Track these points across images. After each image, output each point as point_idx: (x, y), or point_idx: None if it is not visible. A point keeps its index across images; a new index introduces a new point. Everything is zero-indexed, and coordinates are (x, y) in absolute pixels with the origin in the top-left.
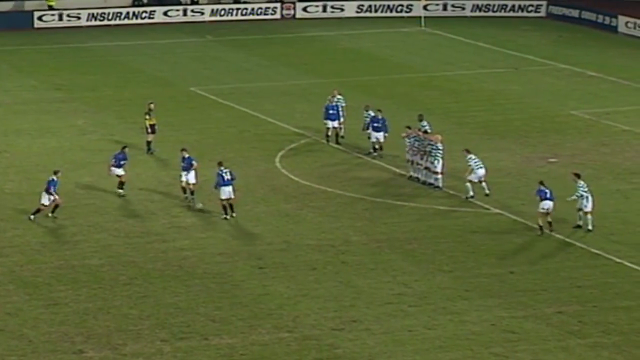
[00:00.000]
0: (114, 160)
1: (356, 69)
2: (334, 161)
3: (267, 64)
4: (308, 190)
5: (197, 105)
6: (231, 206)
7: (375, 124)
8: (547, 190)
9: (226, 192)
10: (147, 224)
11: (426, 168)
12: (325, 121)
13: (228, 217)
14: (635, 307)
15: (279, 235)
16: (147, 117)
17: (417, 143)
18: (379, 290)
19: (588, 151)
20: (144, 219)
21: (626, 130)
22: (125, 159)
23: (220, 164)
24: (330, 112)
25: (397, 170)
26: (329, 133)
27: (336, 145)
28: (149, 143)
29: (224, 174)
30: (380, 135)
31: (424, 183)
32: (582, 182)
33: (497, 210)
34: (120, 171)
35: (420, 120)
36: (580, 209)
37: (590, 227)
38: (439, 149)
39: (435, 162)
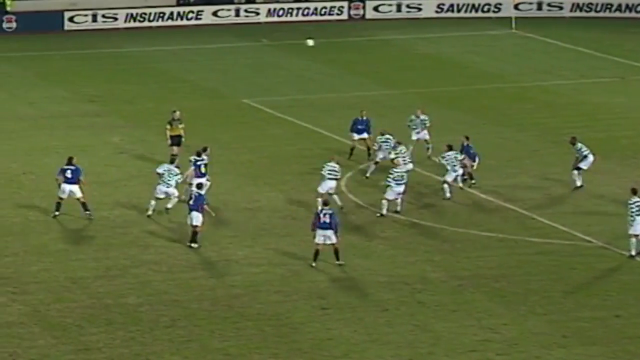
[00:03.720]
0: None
1: (436, 78)
2: (409, 185)
3: (331, 72)
4: (379, 220)
5: (251, 120)
6: (336, 252)
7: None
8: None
9: (320, 236)
10: (192, 257)
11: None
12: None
13: (340, 262)
14: None
15: (344, 271)
16: (169, 126)
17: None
18: (461, 335)
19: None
20: (188, 251)
21: None
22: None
23: (325, 203)
24: (359, 126)
25: (483, 196)
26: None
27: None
28: (173, 157)
29: (321, 215)
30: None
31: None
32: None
33: (601, 244)
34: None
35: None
36: (633, 235)
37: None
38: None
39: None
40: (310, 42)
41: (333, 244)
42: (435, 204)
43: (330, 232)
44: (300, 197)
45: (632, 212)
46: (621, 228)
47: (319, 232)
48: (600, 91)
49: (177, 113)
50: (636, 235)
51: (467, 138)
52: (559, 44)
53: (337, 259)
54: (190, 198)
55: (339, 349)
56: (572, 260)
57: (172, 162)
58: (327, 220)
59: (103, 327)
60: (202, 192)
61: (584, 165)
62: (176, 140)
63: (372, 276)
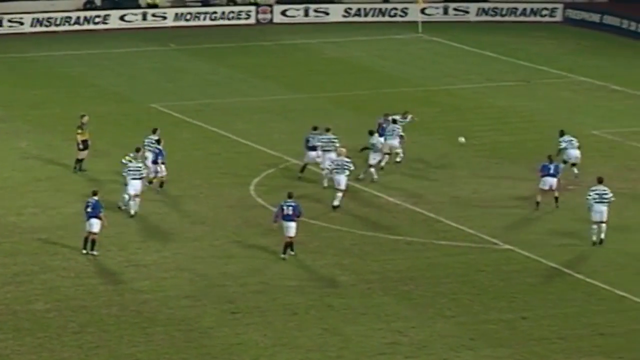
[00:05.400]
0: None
1: (343, 82)
2: (318, 189)
3: (240, 77)
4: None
5: (159, 124)
6: (291, 245)
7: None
8: (550, 166)
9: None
10: (100, 262)
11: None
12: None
13: (286, 256)
14: None
15: (254, 275)
16: (80, 130)
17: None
18: (370, 338)
19: (612, 177)
20: (96, 257)
21: None
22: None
23: (289, 195)
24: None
25: (391, 200)
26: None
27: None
28: (79, 161)
29: (284, 207)
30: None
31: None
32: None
33: (507, 246)
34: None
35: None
36: (595, 222)
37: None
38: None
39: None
40: (462, 140)
41: (290, 237)
42: (343, 207)
43: (293, 225)
44: (210, 201)
45: (590, 198)
46: (528, 230)
47: (285, 224)
48: (506, 95)
49: (86, 118)
50: (600, 222)
51: (389, 118)
52: (465, 47)
53: (291, 250)
54: (88, 206)
55: (248, 354)
56: (480, 263)
57: (78, 166)
58: (290, 213)
59: (11, 333)
60: (135, 201)
61: (566, 158)
62: (84, 145)
63: (281, 280)
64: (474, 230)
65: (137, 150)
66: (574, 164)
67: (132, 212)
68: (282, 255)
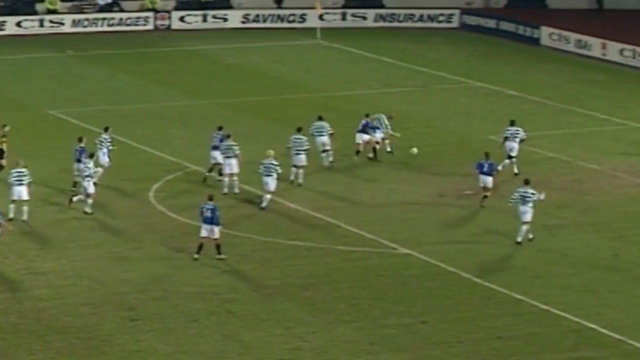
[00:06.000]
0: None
1: (243, 88)
2: (218, 195)
3: (138, 83)
4: (188, 229)
5: (57, 131)
6: (217, 246)
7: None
8: (484, 164)
9: (204, 230)
10: None
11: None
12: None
13: (198, 257)
14: None
15: (154, 282)
16: (5, 139)
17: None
18: (271, 344)
19: (509, 181)
20: None
21: (551, 157)
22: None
23: (210, 198)
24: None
25: (292, 206)
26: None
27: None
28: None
29: (204, 209)
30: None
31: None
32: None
33: (406, 250)
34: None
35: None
36: (522, 222)
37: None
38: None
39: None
40: (415, 150)
41: (215, 239)
42: (243, 214)
43: (213, 227)
44: (109, 208)
45: (513, 200)
46: (427, 235)
47: (203, 226)
48: (404, 100)
49: (7, 128)
50: (523, 223)
51: (367, 115)
52: (364, 53)
53: (219, 253)
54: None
55: None
56: (379, 268)
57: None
58: (209, 215)
59: None
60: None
61: (505, 149)
62: (2, 154)
63: (181, 287)
64: (373, 235)
65: (91, 156)
66: (511, 157)
67: (24, 217)
68: (195, 256)
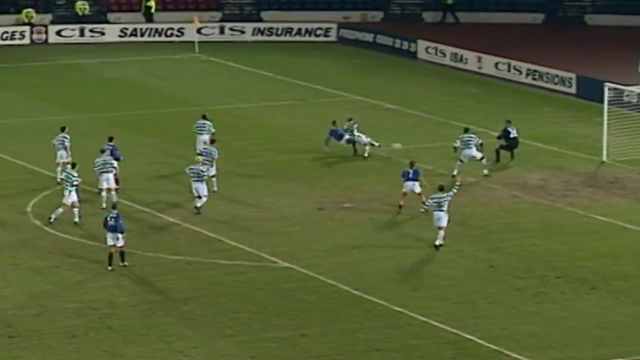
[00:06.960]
0: None
1: (121, 102)
2: (97, 209)
3: (15, 98)
4: (67, 244)
5: None
6: (122, 254)
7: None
8: (409, 170)
9: (109, 239)
10: None
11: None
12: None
13: (126, 264)
14: None
15: (32, 298)
16: None
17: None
18: (151, 359)
19: (387, 194)
20: None
21: (429, 169)
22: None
23: (113, 206)
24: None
25: (171, 219)
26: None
27: None
28: None
29: (107, 218)
30: None
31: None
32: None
33: (286, 264)
34: None
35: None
36: (438, 228)
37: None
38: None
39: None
40: (398, 145)
41: (120, 247)
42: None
43: (117, 235)
44: None
45: (428, 205)
46: (306, 248)
47: (109, 234)
48: (283, 114)
49: None
50: (440, 228)
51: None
52: (242, 67)
53: (123, 261)
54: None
55: None
56: (259, 281)
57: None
58: (113, 224)
59: None
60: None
61: (461, 157)
62: None
63: (60, 302)
64: (253, 249)
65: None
66: (462, 161)
67: None
68: (109, 267)
